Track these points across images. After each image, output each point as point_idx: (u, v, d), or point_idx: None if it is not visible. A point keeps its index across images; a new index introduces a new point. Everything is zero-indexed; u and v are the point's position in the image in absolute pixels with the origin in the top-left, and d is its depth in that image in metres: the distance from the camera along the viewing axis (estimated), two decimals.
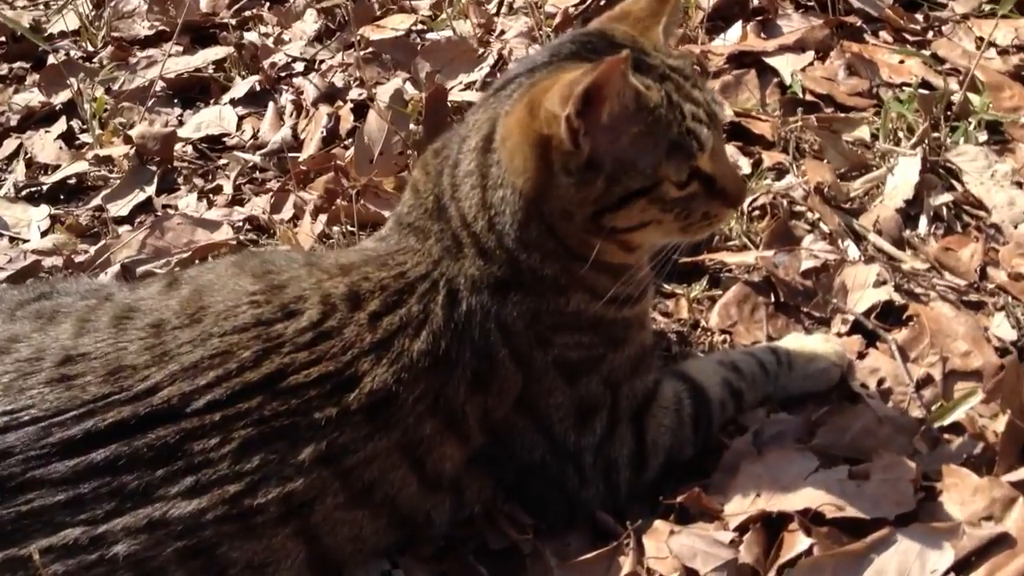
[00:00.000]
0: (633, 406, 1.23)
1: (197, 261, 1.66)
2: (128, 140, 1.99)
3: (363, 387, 1.08)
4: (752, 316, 1.49)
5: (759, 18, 2.08)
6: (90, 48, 2.50)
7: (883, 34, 2.03)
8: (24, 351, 1.08)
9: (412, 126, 1.88)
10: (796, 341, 1.40)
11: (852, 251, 1.55)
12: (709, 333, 1.48)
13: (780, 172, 1.72)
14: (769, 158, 1.73)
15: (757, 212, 1.64)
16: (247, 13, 2.52)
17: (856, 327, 1.44)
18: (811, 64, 1.94)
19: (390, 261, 1.15)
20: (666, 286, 1.52)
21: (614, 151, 1.07)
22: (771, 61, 1.94)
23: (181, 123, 2.15)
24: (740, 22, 2.06)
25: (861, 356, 1.40)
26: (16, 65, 2.49)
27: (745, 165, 1.72)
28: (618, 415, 1.22)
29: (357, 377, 1.08)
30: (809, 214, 1.63)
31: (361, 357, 1.09)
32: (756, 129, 1.78)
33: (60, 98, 2.26)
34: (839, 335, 1.44)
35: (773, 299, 1.50)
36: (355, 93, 2.07)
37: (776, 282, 1.50)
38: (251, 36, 2.36)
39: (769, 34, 2.06)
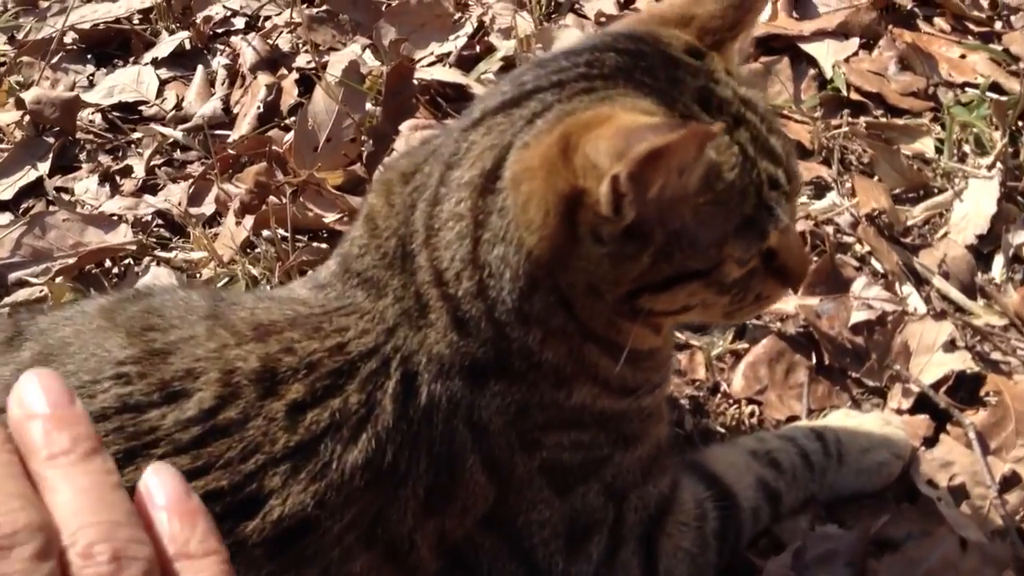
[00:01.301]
0: (642, 522, 0.91)
1: (97, 266, 1.32)
2: (20, 105, 1.63)
3: (269, 512, 0.74)
4: (787, 380, 1.17)
5: None
6: None
7: (939, 22, 1.69)
8: None
9: (369, 106, 1.53)
10: (847, 421, 1.08)
11: (914, 300, 1.22)
12: (732, 402, 1.15)
13: (819, 187, 1.39)
14: (807, 170, 1.39)
15: None
16: None
17: (921, 402, 1.12)
18: (855, 54, 1.60)
19: (326, 325, 0.80)
20: (678, 335, 1.20)
21: (668, 224, 0.74)
22: (807, 48, 1.60)
23: (91, 84, 1.78)
24: None
25: (929, 443, 1.09)
26: None
27: None
28: (622, 534, 0.90)
29: (261, 497, 0.74)
30: (857, 246, 1.30)
31: (269, 468, 0.75)
32: (790, 132, 1.45)
33: None
34: (900, 412, 1.12)
35: (815, 359, 1.18)
36: (303, 60, 1.71)
37: (819, 337, 1.17)
38: None
39: (803, 14, 1.72)
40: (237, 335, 0.79)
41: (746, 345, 1.19)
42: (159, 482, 0.51)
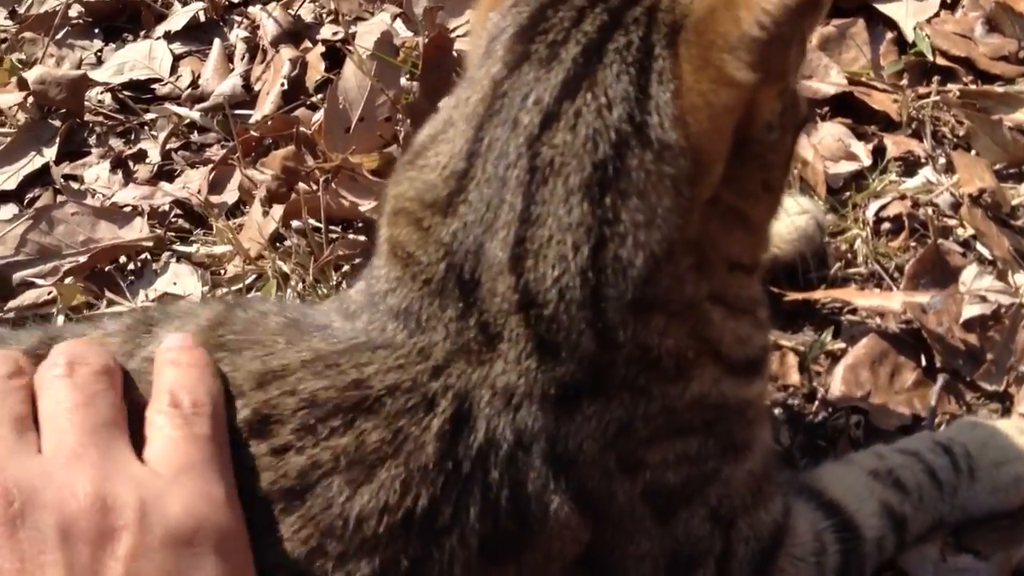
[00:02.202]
0: (754, 555, 0.78)
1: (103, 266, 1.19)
2: (23, 85, 1.49)
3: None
4: (892, 384, 1.03)
5: None
6: None
7: None
8: None
9: (404, 80, 1.39)
10: (975, 431, 0.95)
11: None
12: (832, 411, 1.01)
13: (909, 164, 1.25)
14: (895, 145, 1.25)
15: (888, 225, 1.17)
16: None
17: None
18: (937, 15, 1.45)
19: (343, 362, 0.68)
20: None
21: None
22: (884, 8, 1.45)
23: (100, 61, 1.64)
24: None
25: None
26: None
27: (862, 152, 1.25)
28: (730, 569, 0.77)
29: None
30: (959, 230, 1.16)
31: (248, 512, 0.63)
32: (873, 102, 1.31)
33: None
34: None
35: (924, 361, 1.04)
36: (328, 31, 1.56)
37: (927, 336, 1.04)
38: None
39: None
40: (237, 388, 0.67)
41: (843, 345, 1.06)
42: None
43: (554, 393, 0.66)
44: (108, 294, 1.16)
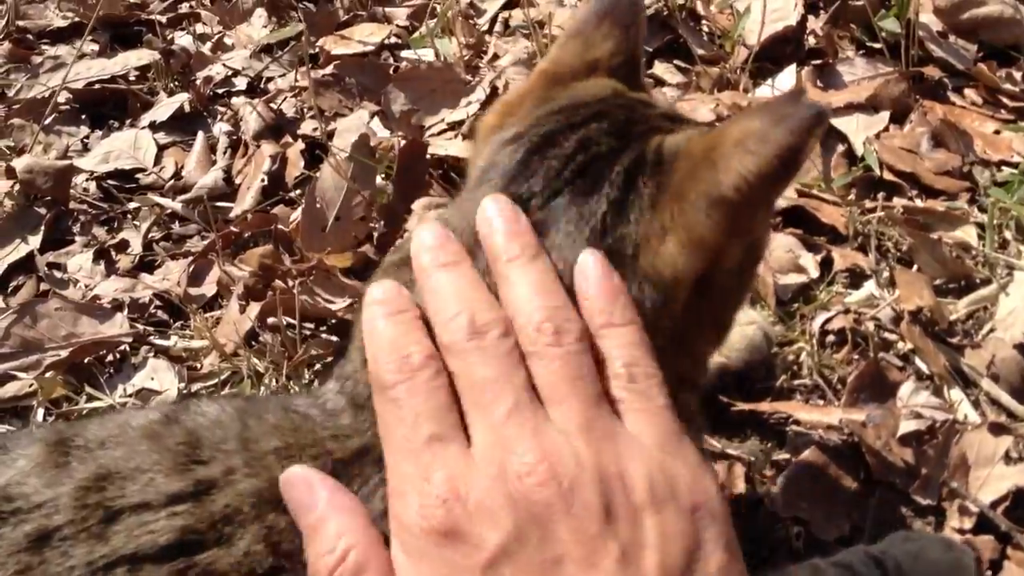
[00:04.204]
0: None
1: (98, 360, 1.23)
2: (11, 173, 1.54)
3: None
4: (832, 496, 1.09)
5: (816, 62, 1.67)
6: None
7: (971, 94, 1.63)
8: None
9: (379, 180, 1.45)
10: (907, 544, 1.00)
11: (965, 406, 1.15)
12: (776, 521, 1.07)
13: (855, 276, 1.32)
14: (842, 257, 1.32)
15: (833, 337, 1.23)
16: (183, 7, 2.07)
17: (984, 522, 1.05)
18: (886, 129, 1.54)
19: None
20: (713, 442, 1.12)
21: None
22: (836, 122, 1.53)
23: (86, 148, 1.69)
24: (793, 66, 1.65)
25: (994, 567, 1.02)
26: None
27: (810, 264, 1.32)
28: None
29: None
30: (900, 344, 1.23)
31: None
32: (824, 215, 1.38)
33: None
34: (961, 533, 1.05)
35: (863, 473, 1.10)
36: (308, 127, 1.63)
37: (865, 450, 1.10)
38: (184, 40, 1.91)
39: (827, 83, 1.65)
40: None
41: (787, 455, 1.11)
42: (590, 262, 0.65)
43: None
44: (89, 389, 1.20)
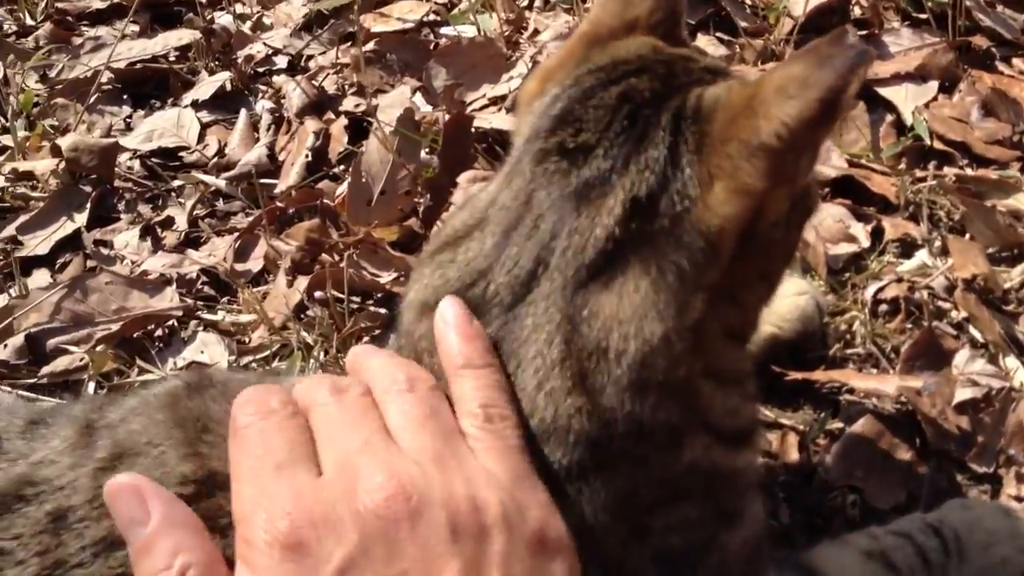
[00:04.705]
0: None
1: (140, 333, 1.24)
2: (56, 151, 1.55)
3: None
4: (887, 465, 1.08)
5: (862, 33, 1.65)
6: (29, 21, 2.05)
7: (1018, 62, 1.60)
8: None
9: (424, 155, 1.45)
10: (964, 513, 0.99)
11: (1021, 374, 1.13)
12: (829, 489, 1.06)
13: (906, 247, 1.30)
14: (893, 227, 1.31)
15: (886, 307, 1.22)
16: None
17: None
18: (934, 99, 1.52)
19: None
20: (767, 412, 1.11)
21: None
22: (884, 92, 1.51)
23: (129, 127, 1.70)
24: None
25: None
26: None
27: (861, 234, 1.30)
28: None
29: None
30: (954, 313, 1.21)
31: None
32: (873, 185, 1.36)
33: None
34: (1019, 500, 1.04)
35: (918, 442, 1.09)
36: (351, 103, 1.63)
37: (921, 418, 1.09)
38: (224, 20, 1.91)
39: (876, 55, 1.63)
40: None
41: (841, 425, 1.10)
42: (448, 308, 0.68)
43: (559, 475, 0.71)
44: (139, 362, 1.21)
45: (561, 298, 0.69)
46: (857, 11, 1.69)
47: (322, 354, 1.20)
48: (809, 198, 0.80)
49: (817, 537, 1.00)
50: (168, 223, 1.49)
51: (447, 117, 1.46)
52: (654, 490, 0.74)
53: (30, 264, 1.41)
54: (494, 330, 0.70)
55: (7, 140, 1.69)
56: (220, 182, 1.53)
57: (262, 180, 1.51)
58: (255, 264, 1.37)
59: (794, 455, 1.08)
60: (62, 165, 1.54)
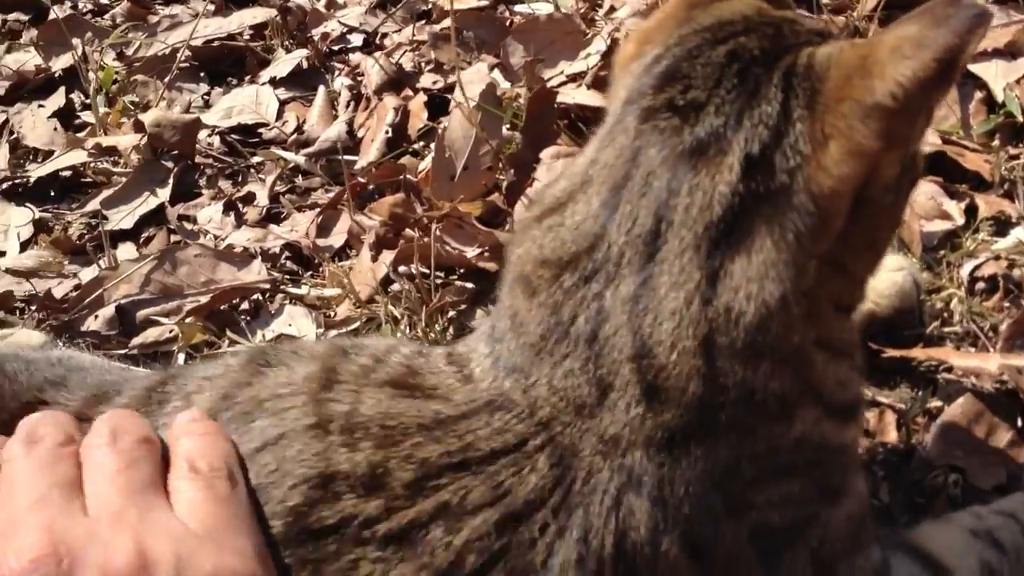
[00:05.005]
0: None
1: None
2: (139, 127, 1.56)
3: None
4: (987, 444, 1.05)
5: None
6: (103, 0, 2.07)
7: None
8: None
9: (505, 130, 1.44)
10: None
11: None
12: (930, 468, 1.04)
13: (1000, 224, 1.27)
14: (987, 204, 1.28)
15: (983, 285, 1.19)
16: None
17: None
18: None
19: (459, 427, 0.72)
20: (864, 389, 1.09)
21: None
22: (973, 68, 1.48)
23: (207, 104, 1.71)
24: None
25: None
26: (12, 17, 2.06)
27: (955, 211, 1.27)
28: None
29: None
30: None
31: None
32: (967, 162, 1.33)
33: (60, 63, 1.83)
34: None
35: (1020, 421, 1.06)
36: (428, 80, 1.63)
37: (1023, 396, 1.06)
38: None
39: None
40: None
41: (940, 403, 1.08)
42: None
43: (661, 438, 0.69)
44: (230, 334, 1.21)
45: (696, 256, 0.68)
46: None
47: (409, 328, 1.20)
48: (916, 165, 0.78)
49: (918, 516, 0.99)
50: (249, 199, 1.50)
51: (529, 93, 1.44)
52: (758, 463, 0.73)
53: (115, 238, 1.43)
54: (631, 289, 0.69)
55: (87, 116, 1.71)
56: (299, 158, 1.53)
57: (343, 156, 1.51)
58: (337, 239, 1.37)
59: (892, 434, 1.07)
60: (144, 140, 1.55)
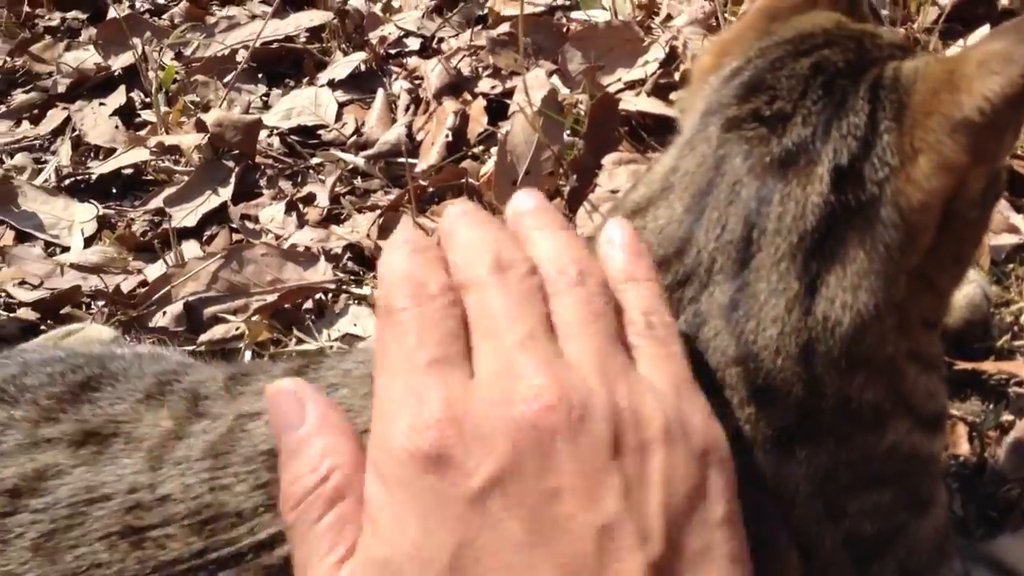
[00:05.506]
0: None
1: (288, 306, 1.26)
2: (201, 127, 1.58)
3: None
4: None
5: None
6: (161, 0, 2.09)
7: None
8: (63, 492, 0.68)
9: (566, 136, 1.44)
10: None
11: None
12: (1003, 482, 1.03)
13: None
14: None
15: None
16: None
17: None
18: None
19: None
20: None
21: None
22: None
23: (266, 105, 1.73)
24: (986, 26, 1.59)
25: None
26: (71, 15, 2.08)
27: (1023, 225, 1.27)
28: None
29: None
30: None
31: None
32: None
33: (120, 62, 1.84)
34: None
35: None
36: (486, 84, 1.63)
37: None
38: (356, 1, 1.92)
39: None
40: None
41: (1011, 417, 1.08)
42: (615, 228, 0.63)
43: (772, 435, 0.70)
44: (296, 332, 1.22)
45: (793, 265, 0.68)
46: (1004, 0, 1.65)
47: None
48: (999, 179, 0.78)
49: (992, 530, 0.98)
50: (309, 199, 1.50)
51: (590, 99, 1.45)
52: (853, 470, 0.73)
53: (178, 236, 1.43)
54: (728, 294, 0.69)
55: (147, 115, 1.72)
56: (359, 160, 1.54)
57: (399, 159, 1.52)
58: None
59: (964, 446, 1.06)
60: (206, 140, 1.56)
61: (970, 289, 1.14)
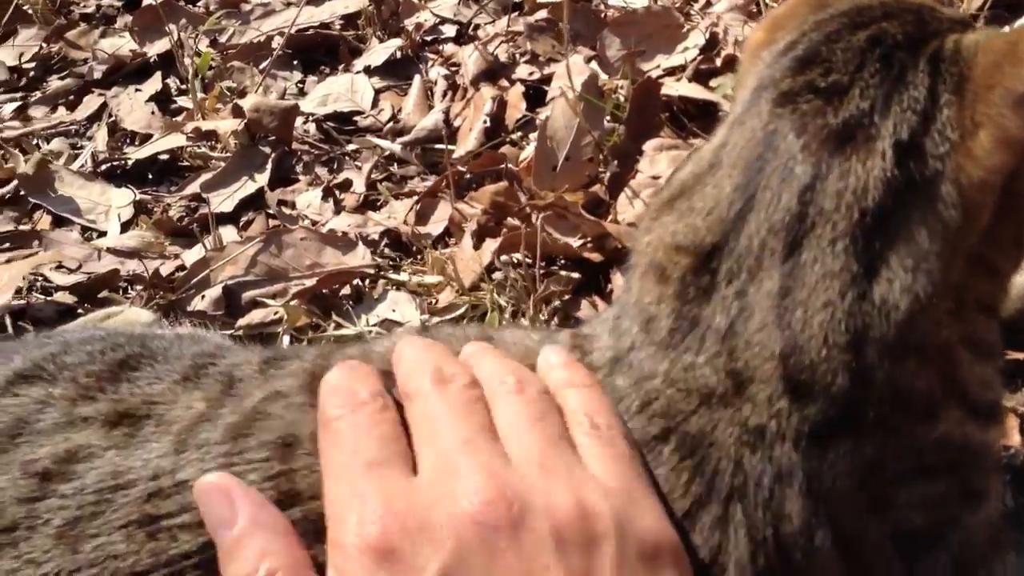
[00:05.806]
0: None
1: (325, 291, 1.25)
2: (238, 112, 1.57)
3: None
4: None
5: None
6: None
7: None
8: (91, 477, 0.67)
9: (607, 123, 1.43)
10: None
11: None
12: None
13: None
14: None
15: None
16: None
17: None
18: None
19: None
20: None
21: None
22: None
23: (302, 91, 1.72)
24: None
25: None
26: (106, 2, 2.08)
27: None
28: None
29: None
30: None
31: None
32: None
33: (156, 48, 1.84)
34: None
35: None
36: (524, 71, 1.62)
37: None
38: None
39: None
40: None
41: None
42: (551, 351, 0.68)
43: (807, 431, 0.68)
44: (335, 318, 1.21)
45: (853, 245, 0.66)
46: None
47: (511, 317, 1.19)
48: None
49: None
50: (346, 185, 1.50)
51: (631, 85, 1.43)
52: (902, 462, 0.71)
53: (216, 221, 1.43)
54: (777, 282, 0.67)
55: (183, 101, 1.72)
56: (395, 146, 1.53)
57: (437, 145, 1.50)
58: (435, 227, 1.37)
59: (1016, 437, 1.04)
60: (243, 126, 1.55)
61: (1022, 278, 1.11)
